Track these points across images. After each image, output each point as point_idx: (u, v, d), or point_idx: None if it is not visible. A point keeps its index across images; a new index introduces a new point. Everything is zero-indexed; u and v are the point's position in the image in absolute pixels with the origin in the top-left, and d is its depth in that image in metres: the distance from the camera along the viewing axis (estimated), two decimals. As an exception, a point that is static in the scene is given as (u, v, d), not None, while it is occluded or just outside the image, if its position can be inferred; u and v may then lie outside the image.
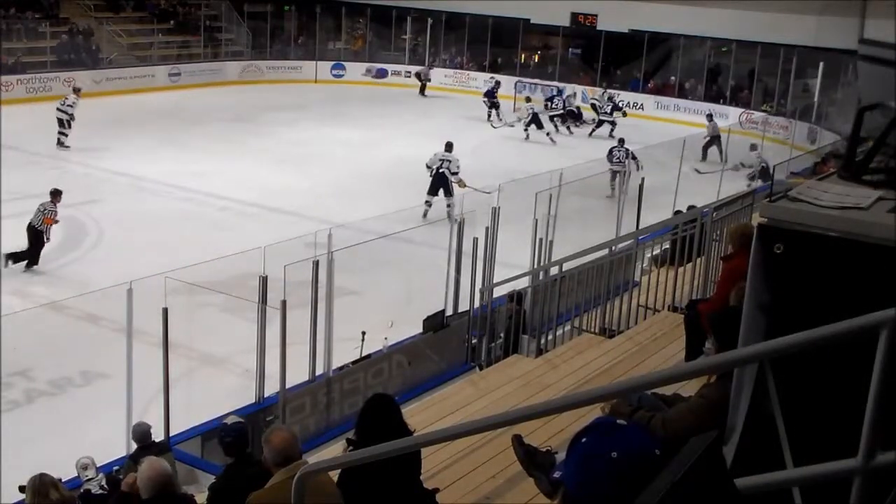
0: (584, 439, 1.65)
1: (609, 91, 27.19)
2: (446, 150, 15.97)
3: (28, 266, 12.78)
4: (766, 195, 9.71)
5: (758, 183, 17.80)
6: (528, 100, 25.84)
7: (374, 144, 21.51)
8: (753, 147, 19.39)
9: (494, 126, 24.30)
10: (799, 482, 2.33)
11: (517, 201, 10.17)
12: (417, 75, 30.09)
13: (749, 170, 18.82)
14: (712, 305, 5.91)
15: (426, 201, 15.52)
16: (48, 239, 12.99)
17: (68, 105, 19.56)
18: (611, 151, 19.04)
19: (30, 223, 12.85)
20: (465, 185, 15.15)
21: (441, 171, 15.62)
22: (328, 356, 8.50)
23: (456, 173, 15.56)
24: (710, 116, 22.50)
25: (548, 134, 23.36)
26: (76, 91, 20.23)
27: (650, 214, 12.14)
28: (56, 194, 13.39)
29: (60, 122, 19.50)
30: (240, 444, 5.29)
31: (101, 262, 12.82)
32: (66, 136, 19.52)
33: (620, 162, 18.54)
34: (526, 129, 23.42)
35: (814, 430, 2.45)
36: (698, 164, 18.63)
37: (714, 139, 20.98)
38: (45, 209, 13.05)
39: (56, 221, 13.14)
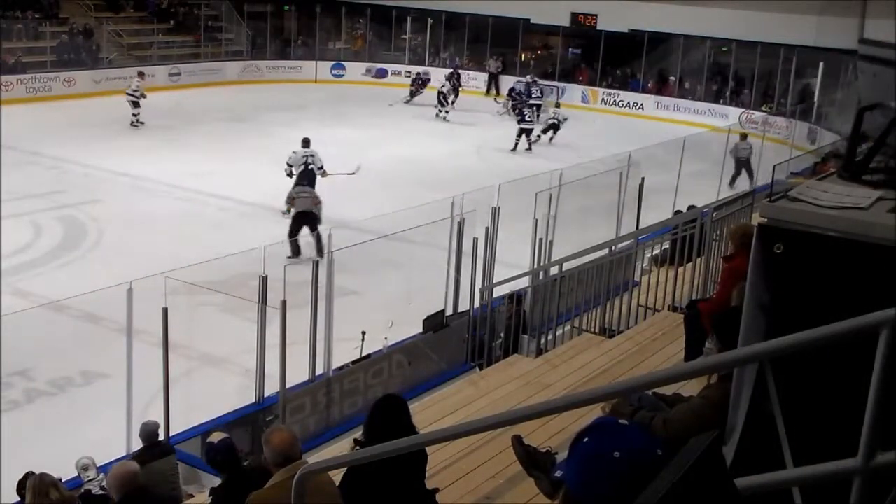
0: (585, 439, 1.65)
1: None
2: (305, 147, 16.12)
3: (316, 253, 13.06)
4: (766, 195, 9.72)
5: (547, 135, 22.30)
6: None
7: (374, 144, 21.49)
8: (557, 105, 23.35)
9: (389, 104, 26.17)
10: (799, 482, 2.33)
11: (517, 201, 10.17)
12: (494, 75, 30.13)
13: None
14: (713, 305, 5.92)
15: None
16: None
17: (133, 90, 22.06)
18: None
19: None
20: (327, 174, 15.91)
21: (310, 167, 15.81)
22: (328, 356, 8.50)
23: (321, 167, 15.94)
24: (744, 136, 19.24)
25: (438, 113, 25.62)
26: (141, 75, 22.93)
27: (650, 214, 12.14)
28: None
29: (132, 104, 21.98)
30: (229, 459, 5.27)
31: (101, 262, 12.82)
32: (137, 114, 21.98)
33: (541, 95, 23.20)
34: (409, 98, 26.84)
35: (814, 430, 2.45)
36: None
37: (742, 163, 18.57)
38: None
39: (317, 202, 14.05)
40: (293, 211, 14.10)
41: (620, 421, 1.74)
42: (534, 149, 21.89)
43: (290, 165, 15.93)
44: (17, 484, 5.99)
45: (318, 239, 12.79)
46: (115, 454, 7.22)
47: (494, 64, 30.49)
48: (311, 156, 15.98)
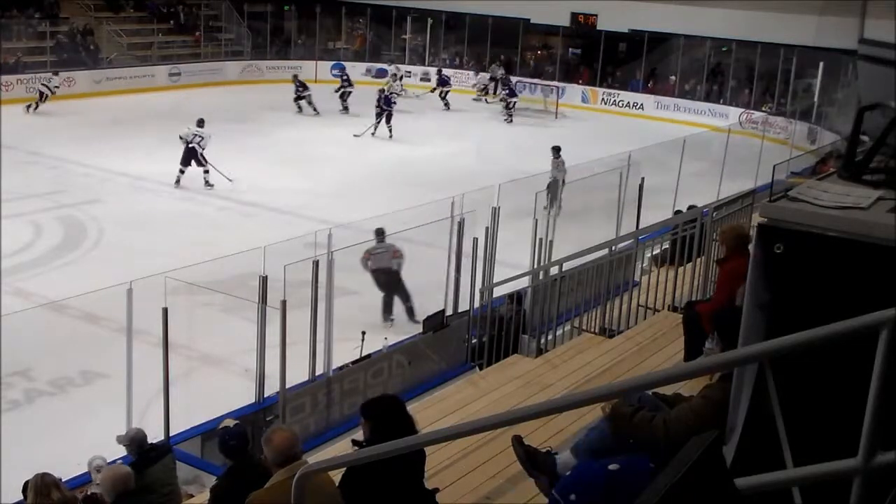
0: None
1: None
2: (200, 126, 17.54)
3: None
4: (766, 195, 9.72)
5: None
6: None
7: (374, 144, 21.51)
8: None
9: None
10: (799, 482, 2.33)
11: (517, 201, 10.17)
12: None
13: None
14: (712, 307, 5.91)
15: (181, 170, 17.23)
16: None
17: (55, 85, 23.67)
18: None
19: None
20: (207, 163, 17.16)
21: (191, 146, 17.14)
22: (328, 356, 8.50)
23: (204, 150, 17.31)
24: (556, 150, 16.84)
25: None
26: (55, 73, 24.23)
27: (650, 214, 12.14)
28: None
29: (40, 94, 23.40)
30: (242, 446, 5.30)
31: (101, 262, 12.82)
32: (37, 106, 23.28)
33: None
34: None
35: (814, 430, 2.45)
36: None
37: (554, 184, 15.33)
38: None
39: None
40: (370, 267, 11.18)
41: (610, 467, 1.75)
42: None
43: (181, 138, 17.29)
44: (22, 486, 5.97)
45: (410, 310, 11.10)
46: (114, 454, 7.22)
47: (499, 70, 29.89)
48: (201, 137, 17.23)
